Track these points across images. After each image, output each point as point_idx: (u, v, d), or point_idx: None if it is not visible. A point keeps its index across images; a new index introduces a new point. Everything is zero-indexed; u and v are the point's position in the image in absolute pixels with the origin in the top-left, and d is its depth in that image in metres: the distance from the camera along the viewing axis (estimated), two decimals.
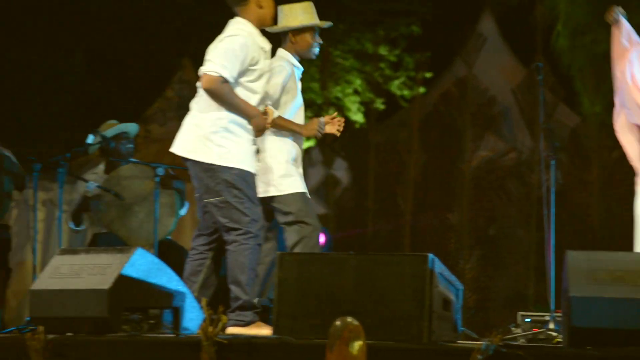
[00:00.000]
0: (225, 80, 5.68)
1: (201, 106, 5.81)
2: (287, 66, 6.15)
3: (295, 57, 6.24)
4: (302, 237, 6.03)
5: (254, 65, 5.79)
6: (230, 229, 5.73)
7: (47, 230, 9.97)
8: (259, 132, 5.86)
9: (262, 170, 6.08)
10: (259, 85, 5.84)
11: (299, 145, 6.28)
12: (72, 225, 7.79)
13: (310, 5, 6.27)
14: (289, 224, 6.08)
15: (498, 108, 12.42)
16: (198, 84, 5.87)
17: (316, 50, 6.30)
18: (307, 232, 6.05)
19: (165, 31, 13.70)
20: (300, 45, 6.22)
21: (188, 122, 5.87)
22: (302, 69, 6.30)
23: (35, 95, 13.03)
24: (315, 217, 6.15)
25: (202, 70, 5.72)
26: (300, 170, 6.26)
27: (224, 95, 5.71)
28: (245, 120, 5.79)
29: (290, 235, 6.05)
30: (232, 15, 5.93)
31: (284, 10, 6.24)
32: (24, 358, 4.95)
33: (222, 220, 5.75)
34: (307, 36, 6.22)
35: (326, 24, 6.28)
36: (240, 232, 5.71)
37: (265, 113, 5.91)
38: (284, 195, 6.11)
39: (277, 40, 6.26)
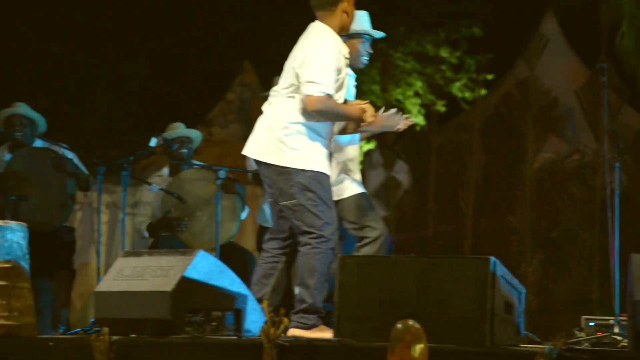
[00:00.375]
0: (330, 97, 5.67)
1: (274, 109, 5.80)
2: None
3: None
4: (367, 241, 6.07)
5: (339, 74, 5.78)
6: (303, 232, 5.72)
7: (110, 233, 10.08)
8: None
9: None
10: (340, 95, 5.83)
11: (354, 148, 6.27)
12: (145, 234, 7.85)
13: (365, 14, 6.24)
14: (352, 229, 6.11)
15: (561, 110, 12.29)
16: (273, 91, 5.85)
17: (364, 59, 6.27)
18: (374, 235, 6.06)
19: (226, 35, 13.79)
20: (349, 53, 6.21)
21: (261, 124, 5.85)
22: (352, 75, 6.26)
23: (99, 99, 13.20)
24: (376, 221, 6.13)
25: (306, 92, 5.65)
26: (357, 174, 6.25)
27: (332, 111, 5.71)
28: (321, 122, 5.76)
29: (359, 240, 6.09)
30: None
31: None
32: (89, 359, 5.00)
33: (296, 223, 5.74)
34: (357, 43, 6.19)
35: (378, 34, 6.24)
36: (314, 235, 5.69)
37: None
38: (345, 199, 6.11)
39: None
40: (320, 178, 5.74)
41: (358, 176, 6.26)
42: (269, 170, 5.79)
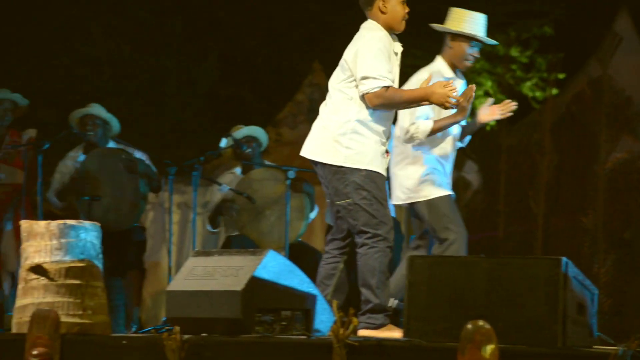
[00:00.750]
0: (388, 87, 5.64)
1: (329, 109, 5.81)
2: (434, 78, 6.02)
3: (446, 66, 6.18)
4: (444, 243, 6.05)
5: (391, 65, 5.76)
6: (359, 232, 5.73)
7: (181, 232, 10.17)
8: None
9: (406, 177, 6.09)
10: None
11: (447, 147, 6.23)
12: (209, 228, 7.94)
13: (482, 17, 6.17)
14: (430, 231, 6.10)
15: (635, 109, 12.12)
16: (332, 86, 5.86)
17: (468, 63, 6.20)
18: (452, 237, 6.04)
19: (295, 35, 13.82)
20: (454, 53, 6.15)
21: (316, 125, 5.87)
22: (455, 78, 6.19)
23: (170, 100, 13.32)
24: (456, 224, 6.11)
25: (363, 90, 5.64)
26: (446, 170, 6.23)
27: (394, 100, 5.66)
28: (376, 121, 5.75)
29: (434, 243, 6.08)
30: (359, 19, 5.94)
31: (454, 12, 6.18)
32: (161, 357, 5.05)
33: (352, 223, 5.75)
34: (464, 45, 6.13)
35: (489, 40, 6.18)
36: (369, 235, 5.70)
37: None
38: (420, 202, 6.10)
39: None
40: (374, 177, 5.73)
41: (443, 176, 6.19)
42: (325, 170, 5.80)
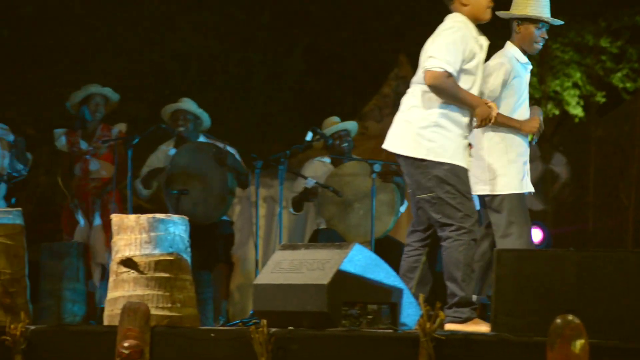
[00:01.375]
0: (449, 75, 5.63)
1: (412, 102, 5.78)
2: (506, 62, 6.04)
3: (519, 52, 6.12)
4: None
5: (471, 59, 5.72)
6: (443, 225, 5.70)
7: (268, 226, 10.22)
8: (483, 121, 5.72)
9: (479, 167, 6.02)
10: (474, 80, 5.77)
11: (523, 141, 6.15)
12: (291, 210, 7.96)
13: None
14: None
15: None
16: (415, 79, 5.84)
17: (539, 45, 6.15)
18: (516, 232, 5.96)
19: (381, 28, 13.78)
20: (523, 37, 6.09)
21: (399, 118, 5.85)
22: (529, 63, 6.15)
23: (257, 94, 13.40)
24: (522, 221, 6.01)
25: (426, 66, 5.65)
26: (526, 167, 6.13)
27: (449, 89, 5.65)
28: (459, 113, 5.72)
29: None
30: (446, 11, 5.90)
31: None
32: (248, 350, 5.08)
33: (435, 216, 5.72)
34: (531, 28, 6.08)
35: (555, 21, 6.11)
36: (454, 228, 5.66)
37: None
38: (497, 195, 6.03)
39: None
40: (457, 171, 5.70)
41: (519, 172, 6.10)
42: (407, 164, 5.78)
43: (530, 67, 6.18)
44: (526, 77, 6.14)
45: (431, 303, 4.80)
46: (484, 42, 5.83)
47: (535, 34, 6.09)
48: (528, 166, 6.12)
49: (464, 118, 5.75)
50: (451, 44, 5.64)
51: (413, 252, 5.94)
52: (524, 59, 6.13)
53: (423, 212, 5.83)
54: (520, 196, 6.04)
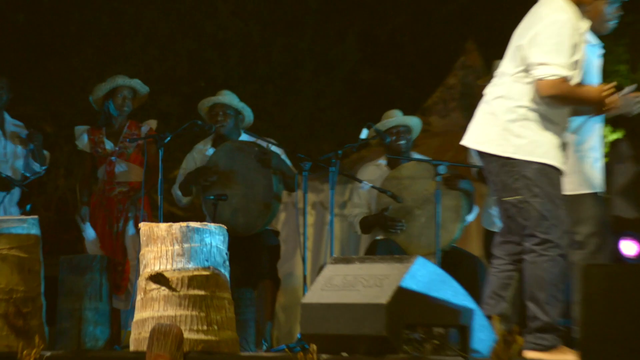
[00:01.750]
0: (566, 80, 5.58)
1: (498, 91, 5.73)
2: None
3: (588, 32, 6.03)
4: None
5: (574, 53, 5.64)
6: (527, 236, 5.62)
7: (317, 236, 10.18)
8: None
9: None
10: (575, 75, 5.67)
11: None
12: (358, 230, 7.89)
13: None
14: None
15: None
16: (498, 73, 5.73)
17: (610, 24, 6.05)
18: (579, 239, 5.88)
19: (446, 11, 13.73)
20: (591, 15, 5.99)
21: (482, 110, 5.79)
22: (596, 44, 6.06)
23: (305, 86, 13.38)
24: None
25: (537, 75, 5.59)
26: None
27: (570, 95, 5.63)
28: (553, 107, 5.63)
29: None
30: None
31: None
32: None
33: (522, 223, 5.64)
34: (600, 4, 5.98)
35: None
36: (538, 240, 5.58)
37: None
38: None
39: None
40: (548, 172, 5.63)
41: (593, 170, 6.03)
42: (491, 162, 5.72)
43: (601, 50, 6.08)
44: (596, 62, 6.03)
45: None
46: (584, 25, 5.75)
47: (605, 11, 5.99)
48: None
49: (561, 112, 5.68)
50: (559, 44, 5.59)
51: (504, 267, 5.82)
52: (595, 40, 6.03)
53: (512, 219, 5.73)
54: (597, 197, 5.97)
